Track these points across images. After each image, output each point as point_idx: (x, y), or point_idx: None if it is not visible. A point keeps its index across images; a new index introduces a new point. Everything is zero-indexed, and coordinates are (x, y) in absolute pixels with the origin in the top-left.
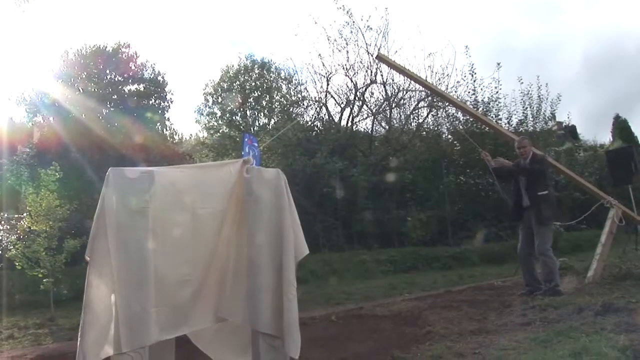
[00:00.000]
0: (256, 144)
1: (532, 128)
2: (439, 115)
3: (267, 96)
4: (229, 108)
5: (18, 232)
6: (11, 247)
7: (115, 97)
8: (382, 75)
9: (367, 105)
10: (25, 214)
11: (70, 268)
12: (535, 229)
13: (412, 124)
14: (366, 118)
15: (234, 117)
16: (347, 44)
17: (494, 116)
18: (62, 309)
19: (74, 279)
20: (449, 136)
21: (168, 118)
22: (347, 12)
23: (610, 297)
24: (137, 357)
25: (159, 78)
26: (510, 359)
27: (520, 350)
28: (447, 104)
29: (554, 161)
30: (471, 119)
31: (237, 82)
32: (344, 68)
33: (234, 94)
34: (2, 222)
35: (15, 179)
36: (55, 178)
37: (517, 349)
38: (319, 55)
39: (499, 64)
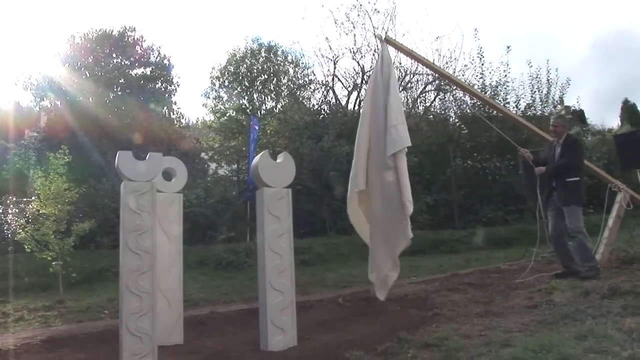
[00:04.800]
0: (257, 127)
1: (540, 112)
2: (446, 98)
3: (274, 79)
4: (235, 92)
5: (27, 215)
6: (20, 230)
7: (122, 81)
8: None
9: None
10: (34, 198)
11: (78, 251)
12: (564, 210)
13: (419, 108)
14: None
15: (240, 101)
16: (354, 27)
17: (501, 100)
18: (71, 292)
19: (82, 262)
20: (456, 120)
21: (174, 102)
22: None
23: (617, 280)
24: (146, 338)
25: (165, 61)
26: (516, 341)
27: (527, 333)
28: (454, 87)
29: None
30: (479, 103)
31: (244, 66)
32: (351, 51)
33: (240, 77)
34: (11, 206)
35: (23, 163)
36: (64, 161)
37: (523, 332)
38: (326, 38)
39: (508, 47)
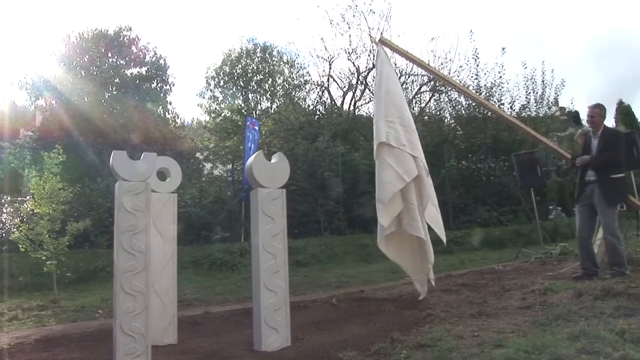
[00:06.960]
0: (257, 128)
1: (535, 113)
2: (441, 99)
3: (270, 80)
4: (230, 92)
5: (21, 214)
6: (14, 229)
7: (117, 80)
8: None
9: (369, 90)
10: (28, 197)
11: (73, 250)
12: (601, 207)
13: (415, 109)
14: (368, 102)
15: (235, 101)
16: (349, 27)
17: (496, 101)
18: (65, 291)
19: (77, 261)
20: (451, 121)
21: (170, 102)
22: None
23: (610, 281)
24: (140, 337)
25: (161, 61)
26: (509, 342)
27: (519, 334)
28: (449, 88)
29: (556, 146)
30: (474, 104)
31: (239, 66)
32: (346, 52)
33: (235, 77)
34: (5, 205)
35: (17, 162)
36: (58, 161)
37: (516, 332)
38: (321, 38)
39: (503, 48)
